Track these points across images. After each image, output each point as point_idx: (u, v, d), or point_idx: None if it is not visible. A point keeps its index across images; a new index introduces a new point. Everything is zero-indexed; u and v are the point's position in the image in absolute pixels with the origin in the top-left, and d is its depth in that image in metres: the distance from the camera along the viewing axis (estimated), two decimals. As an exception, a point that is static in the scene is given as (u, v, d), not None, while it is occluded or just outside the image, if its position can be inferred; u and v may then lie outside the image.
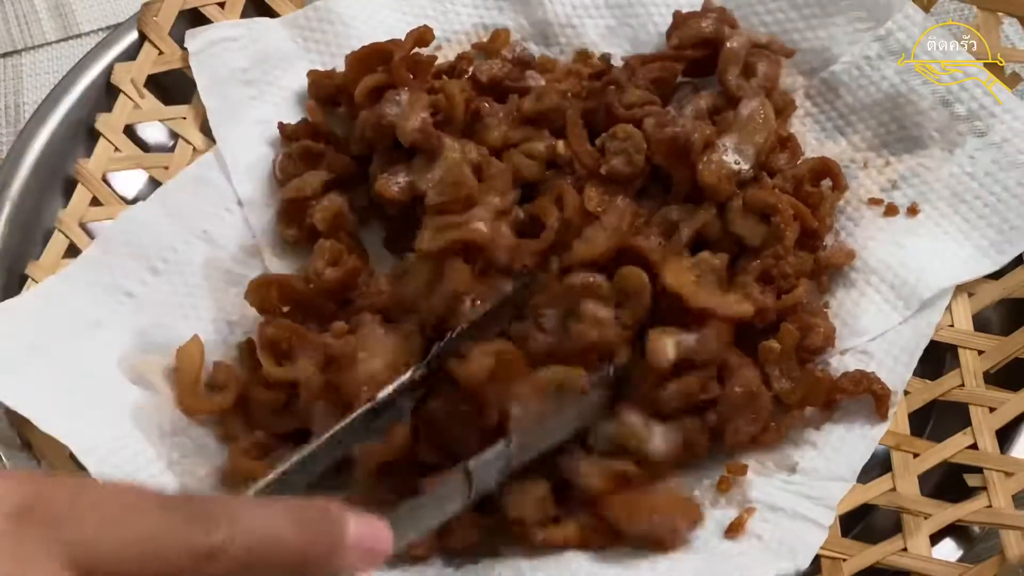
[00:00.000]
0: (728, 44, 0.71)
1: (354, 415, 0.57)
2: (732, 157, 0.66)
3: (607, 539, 0.59)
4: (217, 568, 0.32)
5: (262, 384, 0.64)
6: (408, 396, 0.59)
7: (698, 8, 0.76)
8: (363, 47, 0.74)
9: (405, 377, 0.59)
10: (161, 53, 0.78)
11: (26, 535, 0.30)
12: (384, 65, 0.72)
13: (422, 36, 0.73)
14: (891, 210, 0.69)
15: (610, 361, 0.61)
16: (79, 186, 0.73)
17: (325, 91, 0.76)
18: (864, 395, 0.62)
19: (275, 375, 0.63)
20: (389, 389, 0.58)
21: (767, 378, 0.62)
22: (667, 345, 0.60)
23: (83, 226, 0.72)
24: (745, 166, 0.66)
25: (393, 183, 0.69)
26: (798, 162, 0.70)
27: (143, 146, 0.76)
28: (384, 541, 0.37)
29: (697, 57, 0.73)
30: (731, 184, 0.65)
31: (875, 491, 0.60)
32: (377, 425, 0.58)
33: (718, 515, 0.60)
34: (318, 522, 0.36)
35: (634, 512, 0.57)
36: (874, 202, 0.70)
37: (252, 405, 0.65)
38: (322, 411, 0.62)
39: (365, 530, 0.37)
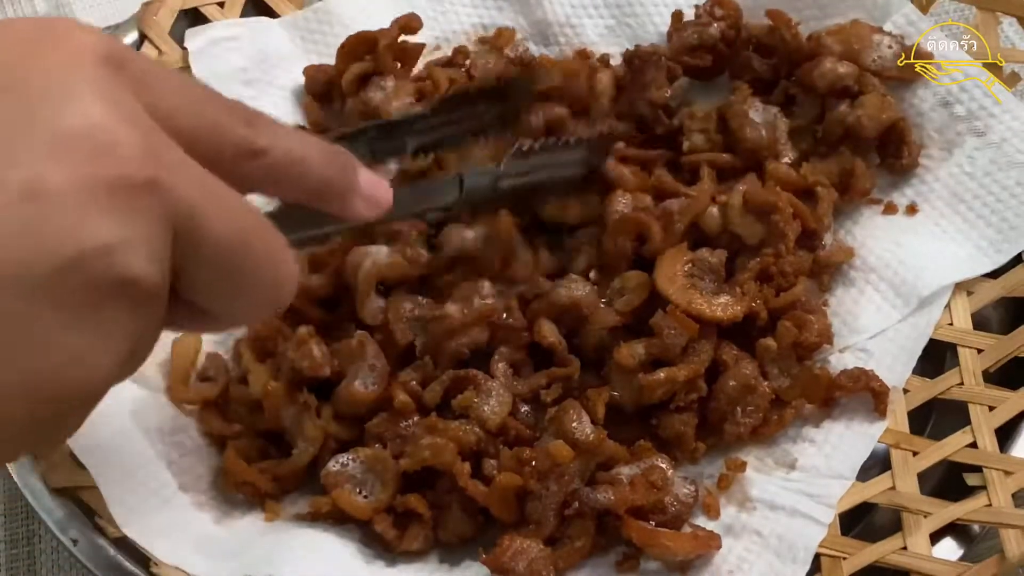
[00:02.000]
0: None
1: (364, 126, 0.62)
2: None
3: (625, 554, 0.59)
4: (255, 167, 0.36)
5: (242, 381, 0.65)
6: (416, 132, 0.64)
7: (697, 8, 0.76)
8: (350, 36, 0.74)
9: (414, 112, 0.64)
10: (161, 53, 0.77)
11: (118, 80, 0.31)
12: (371, 53, 0.72)
13: (408, 24, 0.73)
14: (890, 209, 0.69)
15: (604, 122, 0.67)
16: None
17: (319, 86, 0.76)
18: (863, 392, 0.62)
19: (252, 373, 0.64)
20: (400, 114, 0.63)
21: (766, 375, 0.63)
22: (634, 349, 0.61)
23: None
24: None
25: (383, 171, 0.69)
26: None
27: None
28: (386, 196, 0.42)
29: (704, 65, 0.73)
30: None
31: (875, 489, 0.60)
32: (379, 147, 0.63)
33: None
34: (339, 160, 0.40)
35: (653, 546, 0.57)
36: (873, 201, 0.70)
37: (231, 402, 0.65)
38: (292, 415, 0.63)
39: (373, 180, 0.42)
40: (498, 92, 0.68)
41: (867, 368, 0.62)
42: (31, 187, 0.28)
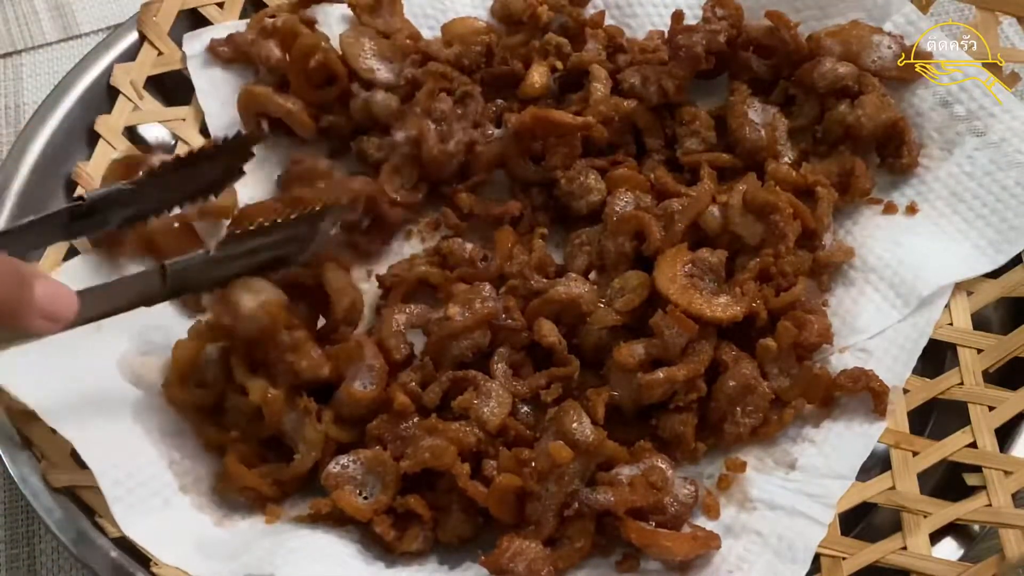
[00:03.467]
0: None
1: (56, 210, 0.58)
2: None
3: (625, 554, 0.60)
4: None
5: (238, 391, 0.64)
6: (117, 208, 0.61)
7: (695, 9, 0.76)
8: None
9: (119, 186, 0.61)
10: (160, 54, 0.78)
11: None
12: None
13: None
14: (890, 208, 0.69)
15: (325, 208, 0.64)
16: (78, 188, 0.73)
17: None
18: (863, 392, 0.62)
19: (249, 385, 0.64)
20: (100, 192, 0.60)
21: (766, 375, 0.63)
22: (634, 349, 0.61)
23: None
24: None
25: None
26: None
27: (147, 145, 0.76)
28: (69, 306, 0.39)
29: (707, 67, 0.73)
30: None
31: (874, 489, 0.60)
32: (77, 227, 0.60)
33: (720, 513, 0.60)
34: (8, 276, 0.37)
35: (652, 547, 0.57)
36: (873, 201, 0.70)
37: (229, 410, 0.65)
38: (292, 421, 0.63)
39: (51, 293, 0.38)
40: (215, 154, 0.65)
41: (867, 368, 0.62)
42: None
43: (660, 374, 0.60)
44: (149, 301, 0.59)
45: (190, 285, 0.60)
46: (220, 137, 0.66)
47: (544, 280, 0.66)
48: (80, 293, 0.40)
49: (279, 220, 0.61)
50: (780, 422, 0.62)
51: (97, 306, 0.50)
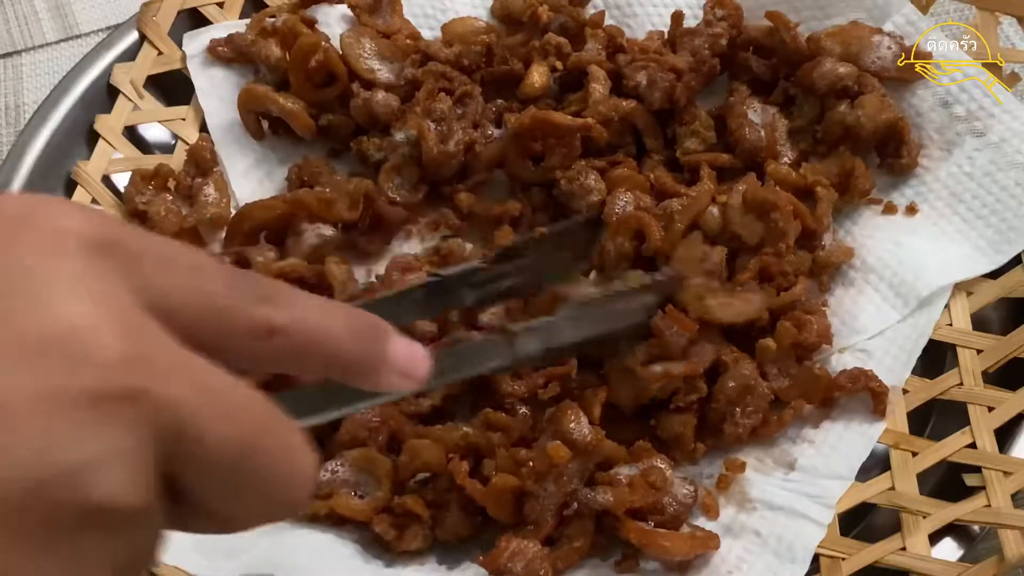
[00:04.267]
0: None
1: (413, 284, 0.56)
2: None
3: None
4: (271, 347, 0.32)
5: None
6: (473, 286, 0.59)
7: (695, 9, 0.76)
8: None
9: (470, 265, 0.60)
10: (160, 53, 0.78)
11: (104, 268, 0.28)
12: None
13: None
14: (890, 209, 0.69)
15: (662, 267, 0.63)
16: (78, 188, 0.73)
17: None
18: (862, 393, 0.62)
19: None
20: (455, 270, 0.58)
21: (765, 375, 0.63)
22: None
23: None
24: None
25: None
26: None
27: (147, 145, 0.76)
28: (422, 366, 0.38)
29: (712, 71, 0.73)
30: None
31: (874, 490, 0.60)
32: (433, 303, 0.58)
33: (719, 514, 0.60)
34: (367, 331, 0.36)
35: (651, 547, 0.57)
36: (873, 201, 0.70)
37: None
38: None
39: (406, 351, 0.37)
40: (564, 235, 0.64)
41: (866, 368, 0.62)
42: None
43: (658, 368, 0.60)
44: (494, 368, 0.56)
45: (535, 355, 0.56)
46: (570, 221, 0.65)
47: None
48: (432, 354, 0.40)
49: (637, 286, 0.59)
50: (780, 422, 0.62)
51: (447, 368, 0.48)
